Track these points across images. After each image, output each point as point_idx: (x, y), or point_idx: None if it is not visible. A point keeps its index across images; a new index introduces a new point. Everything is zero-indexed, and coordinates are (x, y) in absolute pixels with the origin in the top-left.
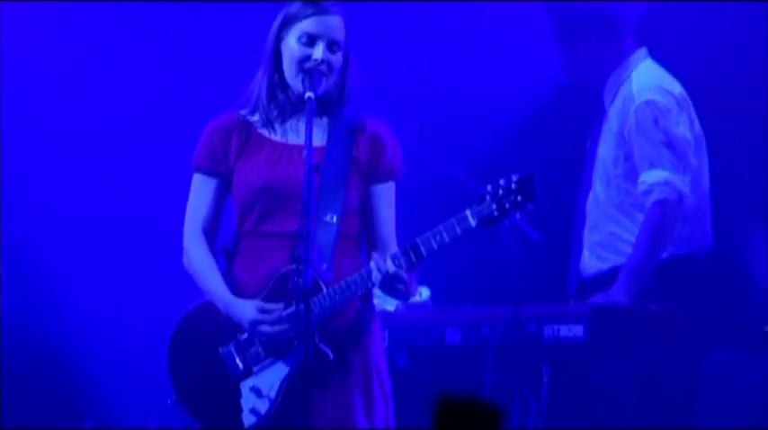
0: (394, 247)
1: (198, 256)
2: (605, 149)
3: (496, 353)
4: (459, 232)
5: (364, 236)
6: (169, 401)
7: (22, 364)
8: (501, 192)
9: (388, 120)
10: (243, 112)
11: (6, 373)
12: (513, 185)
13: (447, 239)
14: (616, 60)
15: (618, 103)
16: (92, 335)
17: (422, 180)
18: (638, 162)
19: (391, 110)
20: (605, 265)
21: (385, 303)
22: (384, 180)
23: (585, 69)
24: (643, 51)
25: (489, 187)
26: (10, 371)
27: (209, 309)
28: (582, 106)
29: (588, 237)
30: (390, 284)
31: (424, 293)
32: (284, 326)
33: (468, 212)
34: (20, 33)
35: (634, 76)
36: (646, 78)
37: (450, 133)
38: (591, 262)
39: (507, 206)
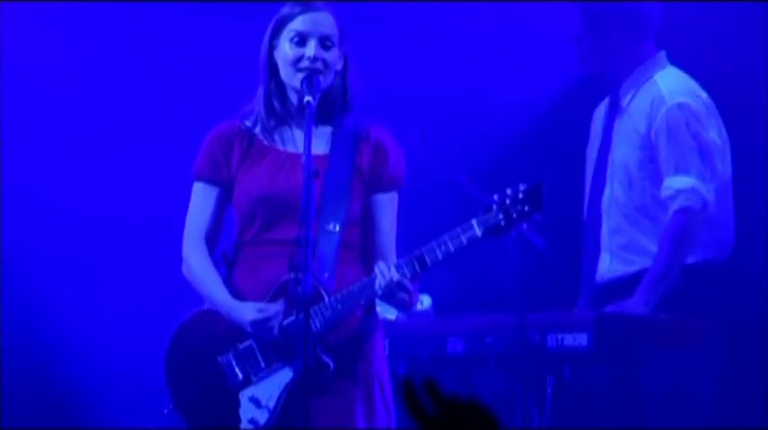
0: (393, 260)
1: (198, 265)
2: (627, 150)
3: (499, 362)
4: (464, 242)
5: (364, 246)
6: (166, 410)
7: (19, 369)
8: (508, 201)
9: (390, 127)
10: (246, 123)
11: (4, 377)
12: (520, 195)
13: (452, 249)
14: (635, 58)
15: (643, 103)
16: (89, 341)
17: (423, 186)
18: (664, 165)
19: (392, 115)
20: (631, 269)
21: (386, 312)
22: (386, 190)
23: (606, 60)
24: (663, 54)
25: (496, 196)
26: (7, 374)
27: (208, 317)
28: (585, 111)
29: (609, 239)
30: (394, 294)
31: (425, 301)
32: (286, 322)
33: (474, 222)
34: (18, 35)
35: (659, 78)
36: (675, 81)
37: (452, 138)
38: (612, 265)
39: (514, 216)
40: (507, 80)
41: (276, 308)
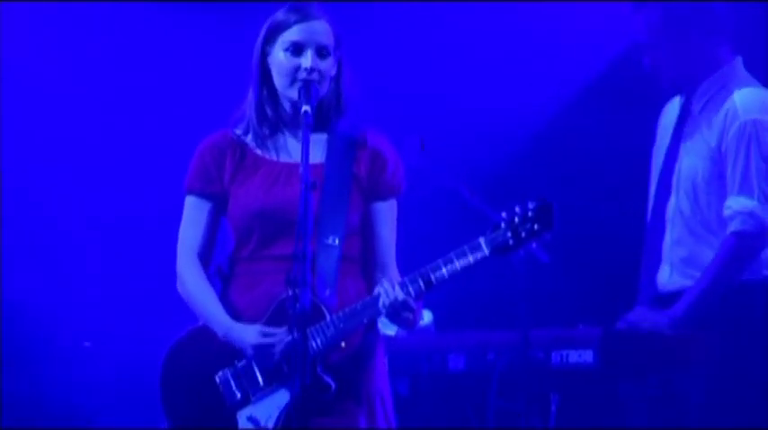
0: (393, 270)
1: (193, 281)
2: (696, 161)
3: (502, 379)
4: (471, 261)
5: (364, 257)
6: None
7: (12, 375)
8: (517, 219)
9: (387, 131)
10: (237, 131)
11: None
12: (529, 213)
13: (458, 268)
14: (713, 62)
15: (716, 115)
16: (83, 359)
17: (424, 195)
18: (730, 183)
19: (391, 121)
20: (691, 283)
21: (386, 328)
22: (385, 197)
23: (684, 62)
24: (740, 61)
25: (504, 214)
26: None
27: (204, 334)
28: (590, 119)
29: (671, 251)
30: (398, 313)
31: (426, 317)
32: (288, 351)
33: (481, 240)
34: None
35: (736, 90)
36: (751, 95)
37: (454, 145)
38: (672, 277)
39: (523, 235)
40: (511, 86)
41: (280, 333)
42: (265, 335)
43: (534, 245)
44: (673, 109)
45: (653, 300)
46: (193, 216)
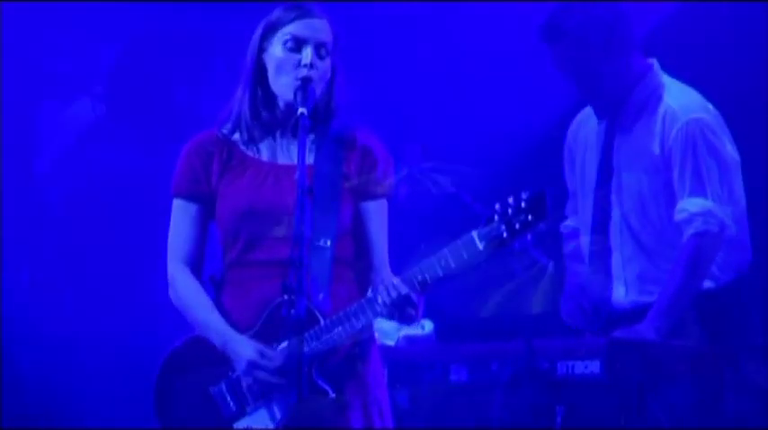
0: (387, 272)
1: (186, 288)
2: (639, 175)
3: (506, 391)
4: (465, 257)
5: (356, 258)
6: None
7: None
8: (510, 211)
9: (379, 134)
10: (224, 130)
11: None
12: (522, 204)
13: (453, 265)
14: (633, 76)
15: (652, 122)
16: (83, 360)
17: (425, 202)
18: (679, 186)
19: (391, 126)
20: (650, 299)
21: (384, 337)
22: (376, 197)
23: (602, 85)
24: (657, 64)
25: (497, 206)
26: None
27: (198, 345)
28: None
29: (623, 269)
30: (402, 309)
31: (426, 326)
32: (281, 379)
33: (474, 234)
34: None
35: (666, 93)
36: (684, 95)
37: (454, 152)
38: (629, 296)
39: (517, 226)
40: (512, 89)
41: (279, 357)
42: (262, 355)
43: (530, 237)
44: (586, 125)
45: (608, 321)
46: (182, 220)
